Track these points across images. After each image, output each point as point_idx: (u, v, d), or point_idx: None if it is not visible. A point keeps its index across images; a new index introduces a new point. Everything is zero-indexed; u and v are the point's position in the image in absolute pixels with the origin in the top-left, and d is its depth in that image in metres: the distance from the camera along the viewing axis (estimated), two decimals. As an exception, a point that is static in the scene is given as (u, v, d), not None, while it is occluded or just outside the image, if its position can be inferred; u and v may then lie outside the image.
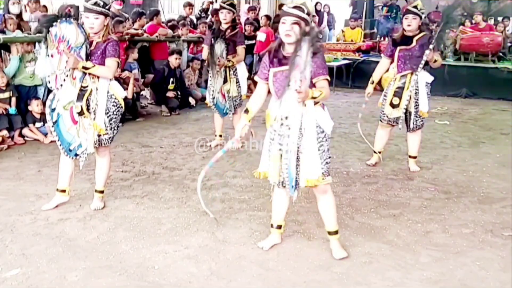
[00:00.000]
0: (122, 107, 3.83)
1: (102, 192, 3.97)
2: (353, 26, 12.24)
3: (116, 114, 3.79)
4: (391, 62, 5.03)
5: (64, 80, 3.58)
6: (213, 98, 5.64)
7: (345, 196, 4.29)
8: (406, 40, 4.84)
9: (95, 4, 3.60)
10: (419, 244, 3.42)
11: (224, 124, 5.87)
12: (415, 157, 5.14)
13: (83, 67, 3.56)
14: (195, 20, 10.06)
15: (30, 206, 3.93)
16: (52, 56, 3.53)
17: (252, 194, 4.30)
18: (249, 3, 12.53)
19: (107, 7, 3.67)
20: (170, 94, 7.68)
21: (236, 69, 5.67)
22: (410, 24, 4.79)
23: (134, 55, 7.59)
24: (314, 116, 3.04)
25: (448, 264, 3.17)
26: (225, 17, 5.56)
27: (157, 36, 8.08)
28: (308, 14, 3.00)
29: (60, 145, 3.71)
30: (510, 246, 3.39)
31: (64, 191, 3.91)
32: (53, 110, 3.64)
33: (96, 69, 3.60)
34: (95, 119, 3.68)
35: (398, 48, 4.85)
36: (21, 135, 5.80)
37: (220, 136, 5.88)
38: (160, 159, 5.30)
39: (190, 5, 10.08)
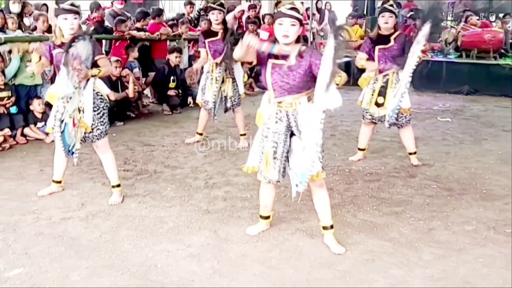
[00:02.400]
0: (108, 101, 3.95)
1: (119, 186, 4.06)
2: (351, 24, 12.20)
3: (104, 109, 3.89)
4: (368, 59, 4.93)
5: (74, 92, 3.66)
6: (214, 99, 5.57)
7: (347, 194, 4.28)
8: (383, 39, 4.81)
9: (72, 4, 3.69)
10: (421, 242, 3.42)
11: (207, 124, 5.89)
12: (414, 153, 5.14)
13: (92, 75, 3.72)
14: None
15: (33, 205, 3.94)
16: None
17: (254, 192, 4.28)
18: (249, 1, 12.50)
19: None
20: (171, 92, 7.68)
21: (232, 69, 5.58)
22: (387, 22, 4.79)
23: (135, 54, 7.58)
24: (309, 111, 3.06)
25: (450, 261, 3.17)
26: (216, 17, 5.48)
27: (158, 35, 8.07)
28: (302, 15, 3.11)
29: (63, 148, 3.74)
30: (512, 243, 3.39)
31: (59, 182, 4.20)
32: (61, 121, 3.67)
33: (103, 72, 3.79)
34: (84, 118, 3.78)
35: (377, 47, 4.81)
36: (23, 134, 5.80)
37: (201, 134, 5.87)
38: (162, 158, 5.30)
39: (191, 4, 10.07)
